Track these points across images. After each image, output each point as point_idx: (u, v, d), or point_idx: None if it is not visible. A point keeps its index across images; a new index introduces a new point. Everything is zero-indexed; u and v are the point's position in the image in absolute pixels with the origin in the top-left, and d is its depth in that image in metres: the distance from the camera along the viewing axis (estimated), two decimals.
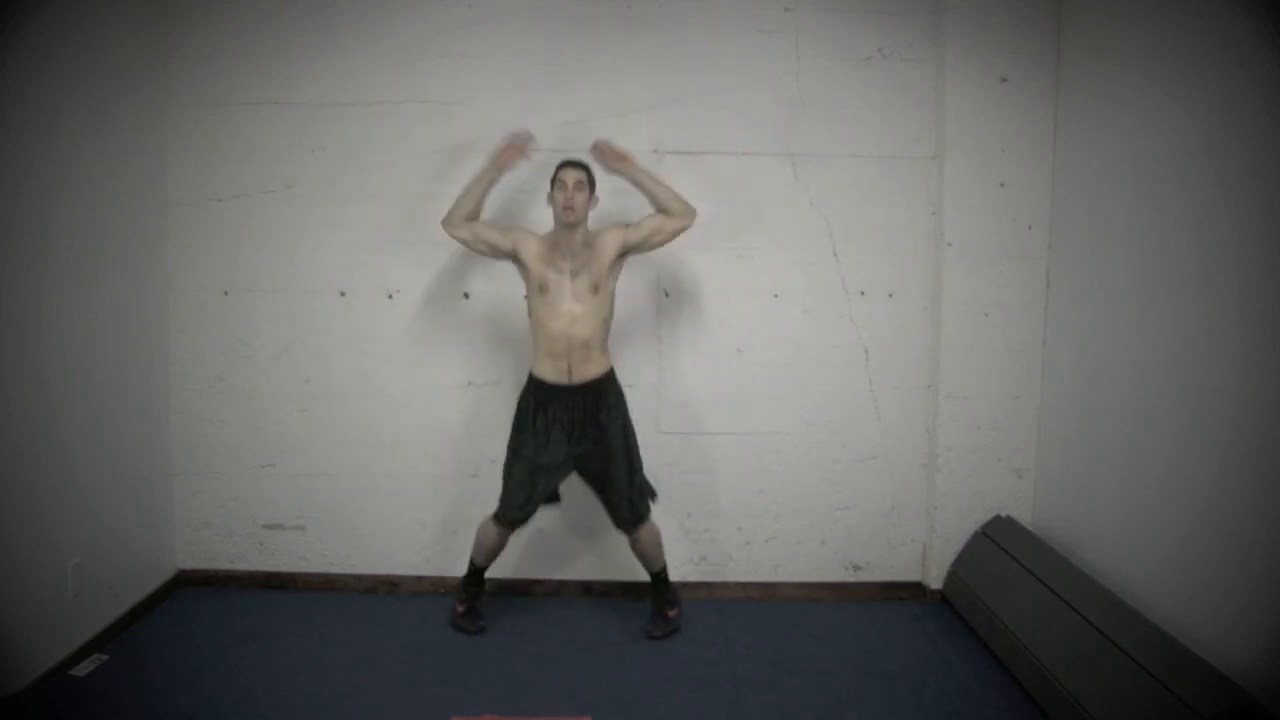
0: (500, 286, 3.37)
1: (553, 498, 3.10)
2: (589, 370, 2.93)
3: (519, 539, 3.21)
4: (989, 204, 3.29)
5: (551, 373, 2.93)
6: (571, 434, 2.93)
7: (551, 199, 2.95)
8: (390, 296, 3.39)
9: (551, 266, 2.93)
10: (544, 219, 3.10)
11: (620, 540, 3.47)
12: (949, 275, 3.32)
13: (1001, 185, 3.29)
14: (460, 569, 3.45)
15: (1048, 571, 2.90)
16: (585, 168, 2.96)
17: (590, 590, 3.47)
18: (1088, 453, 3.01)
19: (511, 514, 3.00)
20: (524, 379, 3.04)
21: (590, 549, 3.47)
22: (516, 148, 3.06)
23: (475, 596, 3.14)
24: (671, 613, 3.14)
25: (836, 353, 3.42)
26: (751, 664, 2.94)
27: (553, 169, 2.96)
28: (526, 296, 3.02)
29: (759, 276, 3.39)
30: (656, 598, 3.16)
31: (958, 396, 3.36)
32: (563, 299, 2.91)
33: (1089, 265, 3.04)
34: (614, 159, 3.01)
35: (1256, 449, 2.18)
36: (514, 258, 2.99)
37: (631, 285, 3.38)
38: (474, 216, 3.01)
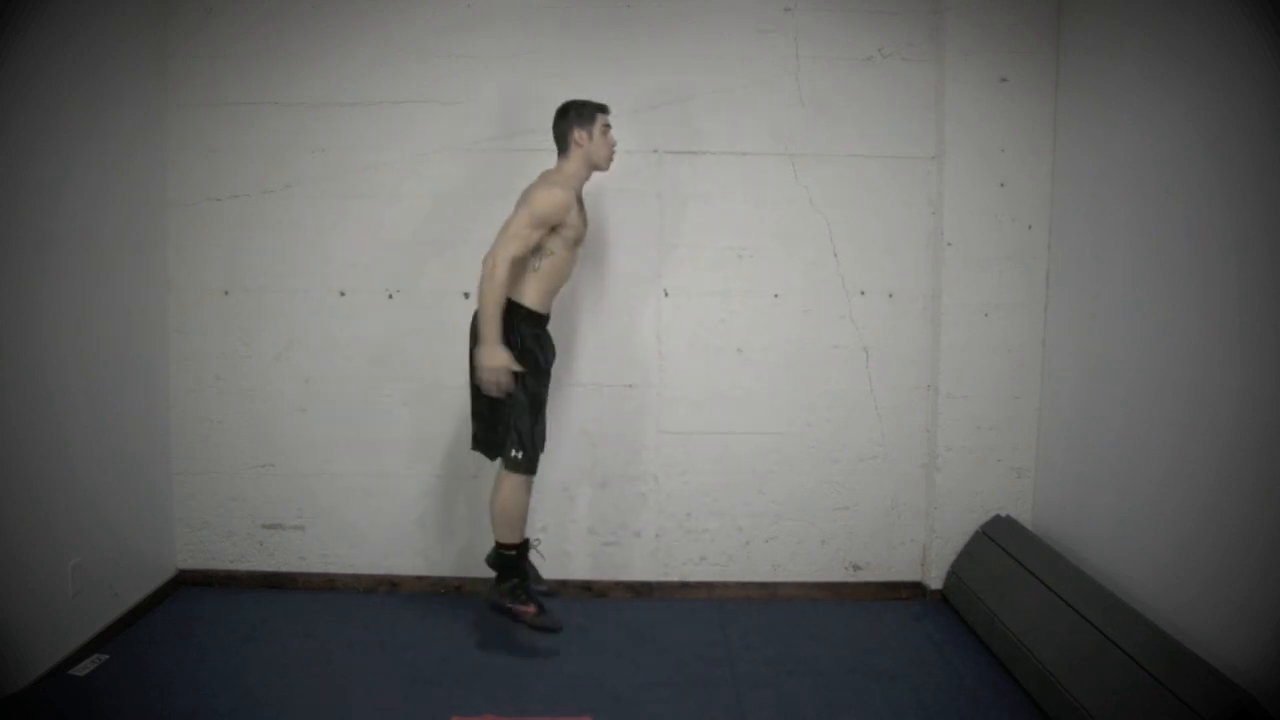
0: None
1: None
2: None
3: None
4: (989, 204, 3.29)
5: (543, 306, 2.86)
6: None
7: (594, 139, 2.83)
8: (390, 296, 3.39)
9: (581, 217, 2.86)
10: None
11: (621, 539, 3.48)
12: (949, 275, 3.32)
13: (1001, 185, 3.29)
14: (461, 570, 3.45)
15: (1048, 571, 2.90)
16: None
17: (590, 590, 3.47)
18: (1088, 453, 3.01)
19: (537, 457, 2.86)
20: None
21: (589, 549, 3.47)
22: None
23: (528, 590, 2.91)
24: (515, 605, 2.88)
25: (836, 353, 3.42)
26: (751, 664, 2.93)
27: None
28: (542, 251, 2.78)
29: (759, 276, 3.39)
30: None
31: (958, 396, 3.36)
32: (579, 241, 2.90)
33: (1089, 265, 3.04)
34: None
35: (1256, 449, 2.18)
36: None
37: (632, 285, 3.40)
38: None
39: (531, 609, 2.89)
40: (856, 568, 3.50)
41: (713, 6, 3.31)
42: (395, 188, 3.35)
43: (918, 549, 3.50)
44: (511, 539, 2.89)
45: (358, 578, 3.48)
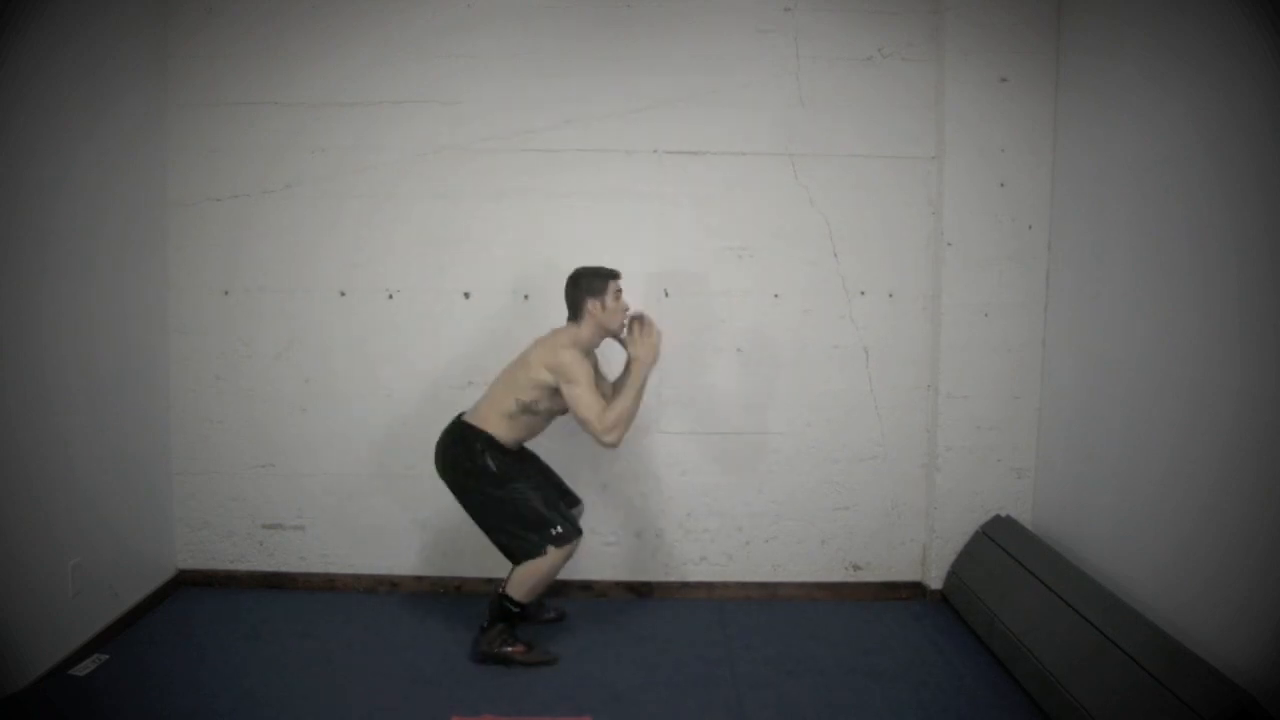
0: (500, 287, 3.38)
1: (575, 500, 3.12)
2: None
3: None
4: (989, 204, 3.29)
5: (512, 445, 2.91)
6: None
7: (607, 308, 2.84)
8: (390, 296, 3.39)
9: None
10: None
11: (621, 539, 3.48)
12: (949, 275, 3.32)
13: (1001, 185, 3.29)
14: (461, 570, 3.46)
15: (1048, 571, 2.90)
16: None
17: (590, 590, 3.47)
18: (1087, 453, 3.01)
19: (571, 523, 2.87)
20: None
21: (589, 549, 3.46)
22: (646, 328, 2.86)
23: (514, 632, 2.93)
24: (503, 649, 2.88)
25: (836, 353, 3.42)
26: (751, 664, 2.93)
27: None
28: (534, 406, 2.84)
29: (759, 276, 3.39)
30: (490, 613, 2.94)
31: (958, 396, 3.36)
32: None
33: (1089, 265, 3.04)
34: (643, 330, 2.85)
35: (1256, 449, 2.18)
36: None
37: (632, 286, 3.39)
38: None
39: (520, 649, 2.89)
40: (856, 568, 3.50)
41: (713, 6, 3.31)
42: (395, 188, 3.35)
43: (918, 549, 3.50)
44: (524, 599, 2.88)
45: (358, 578, 3.48)
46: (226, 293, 3.39)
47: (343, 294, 3.39)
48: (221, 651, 2.94)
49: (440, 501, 3.43)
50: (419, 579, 3.48)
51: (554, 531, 2.80)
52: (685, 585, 3.48)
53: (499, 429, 2.86)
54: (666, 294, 3.40)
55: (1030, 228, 3.30)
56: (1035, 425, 3.37)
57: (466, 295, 3.37)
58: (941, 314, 3.34)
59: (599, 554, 3.46)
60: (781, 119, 3.34)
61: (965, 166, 3.28)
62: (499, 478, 2.83)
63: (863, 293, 3.40)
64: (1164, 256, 2.59)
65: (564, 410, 2.87)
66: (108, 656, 2.85)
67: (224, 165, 3.33)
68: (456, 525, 3.42)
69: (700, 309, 3.40)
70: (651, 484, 3.45)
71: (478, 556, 3.41)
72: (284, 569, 3.48)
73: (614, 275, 2.88)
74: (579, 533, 2.87)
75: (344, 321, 3.39)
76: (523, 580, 2.84)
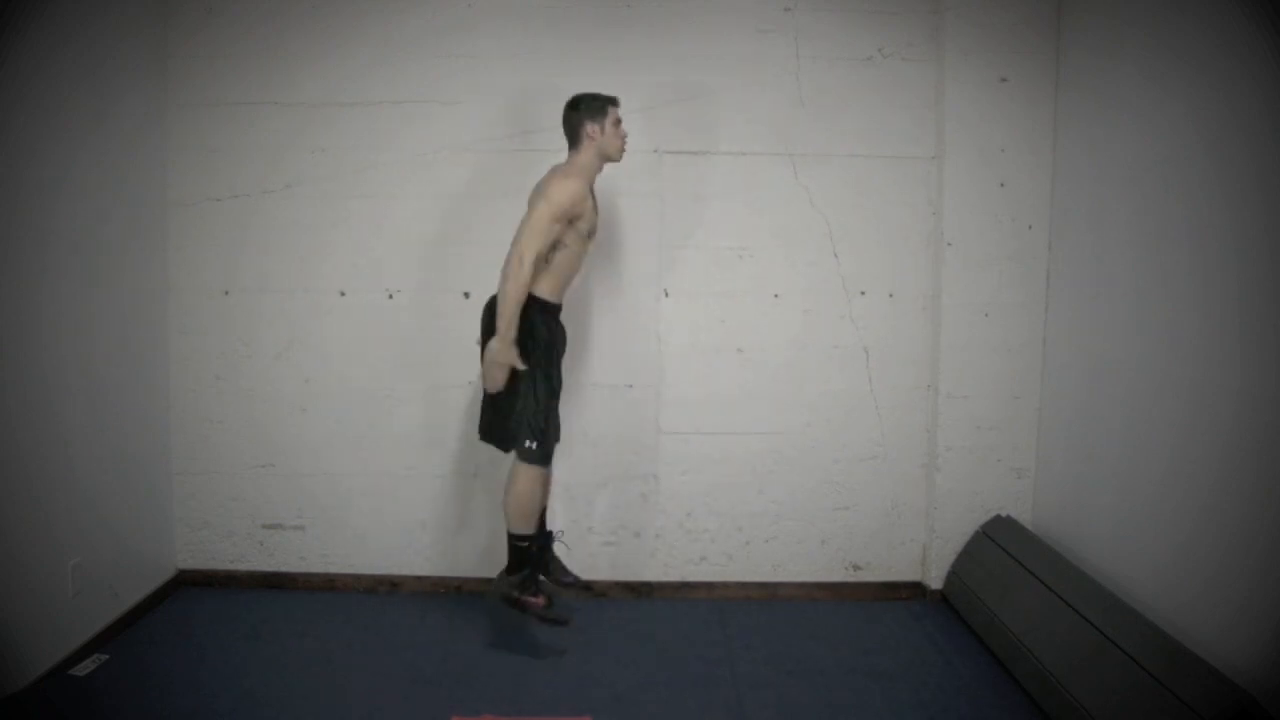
0: None
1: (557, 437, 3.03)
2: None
3: None
4: (989, 204, 3.29)
5: (556, 297, 2.87)
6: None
7: (606, 132, 2.81)
8: (390, 296, 3.39)
9: (593, 209, 2.86)
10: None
11: (620, 539, 3.48)
12: (949, 275, 3.32)
13: (1001, 185, 3.29)
14: (461, 570, 3.46)
15: (1048, 571, 2.90)
16: None
17: (590, 590, 3.46)
18: (1087, 453, 3.01)
19: (552, 448, 2.84)
20: None
21: (589, 549, 3.47)
22: None
23: (538, 581, 2.88)
24: (524, 596, 2.86)
25: (836, 353, 3.42)
26: (751, 664, 2.93)
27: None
28: (557, 244, 2.77)
29: (759, 276, 3.39)
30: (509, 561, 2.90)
31: (958, 396, 3.36)
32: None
33: (1089, 265, 3.04)
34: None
35: (1256, 449, 2.18)
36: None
37: (632, 285, 3.40)
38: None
39: (541, 600, 2.87)
40: (856, 568, 3.50)
41: (713, 6, 3.31)
42: (395, 188, 3.35)
43: (918, 549, 3.50)
44: (523, 530, 2.87)
45: (358, 578, 3.48)
46: (226, 293, 3.39)
47: (343, 294, 3.39)
48: (221, 651, 2.94)
49: (440, 501, 3.45)
50: (419, 579, 3.48)
51: (527, 444, 2.77)
52: (685, 585, 3.48)
53: (543, 282, 2.78)
54: (666, 294, 3.40)
55: (1030, 228, 3.30)
56: (1035, 425, 3.37)
57: (466, 295, 3.37)
58: (941, 314, 3.34)
59: (599, 554, 3.46)
60: (781, 119, 3.34)
61: (965, 166, 3.28)
62: (533, 356, 2.76)
63: (863, 293, 3.40)
64: (1164, 256, 2.59)
65: (591, 233, 2.85)
66: (108, 656, 2.85)
67: (224, 165, 3.33)
68: (457, 525, 3.43)
69: (700, 309, 3.40)
70: (651, 484, 3.45)
71: (478, 556, 3.41)
72: (284, 569, 3.48)
73: (613, 101, 2.86)
74: (546, 462, 2.84)
75: (344, 321, 3.39)
76: (510, 512, 2.83)
